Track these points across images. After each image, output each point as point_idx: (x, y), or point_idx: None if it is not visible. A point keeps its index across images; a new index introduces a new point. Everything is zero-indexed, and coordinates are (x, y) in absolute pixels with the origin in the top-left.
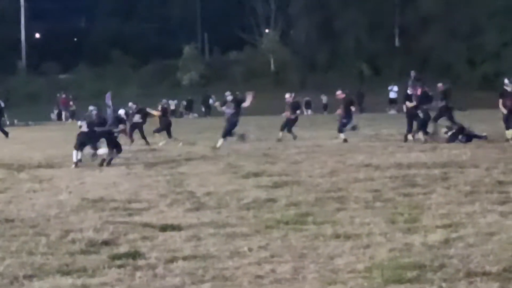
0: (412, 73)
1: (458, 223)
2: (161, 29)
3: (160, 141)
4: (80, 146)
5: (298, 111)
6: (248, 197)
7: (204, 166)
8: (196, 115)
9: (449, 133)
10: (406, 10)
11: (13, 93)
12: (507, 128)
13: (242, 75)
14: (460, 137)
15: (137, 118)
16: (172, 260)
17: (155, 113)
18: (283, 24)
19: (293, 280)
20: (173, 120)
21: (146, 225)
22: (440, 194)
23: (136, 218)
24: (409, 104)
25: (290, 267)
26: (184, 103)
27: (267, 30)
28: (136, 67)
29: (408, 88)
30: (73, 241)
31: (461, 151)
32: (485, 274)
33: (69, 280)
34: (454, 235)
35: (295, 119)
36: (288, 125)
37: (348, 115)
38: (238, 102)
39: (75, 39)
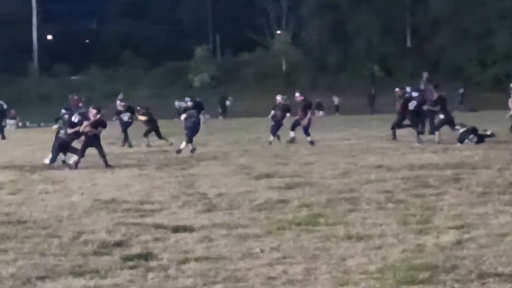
0: (424, 75)
1: (470, 224)
2: (172, 31)
3: (150, 142)
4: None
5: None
6: (260, 198)
7: (216, 167)
8: (208, 116)
9: (461, 130)
10: (417, 12)
11: (25, 94)
12: None
13: (254, 77)
14: (471, 137)
15: (126, 117)
16: (184, 261)
17: (142, 118)
18: (295, 25)
19: (305, 281)
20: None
21: (158, 226)
22: (452, 195)
23: (148, 220)
24: (432, 108)
25: (302, 268)
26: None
27: (278, 32)
28: (147, 69)
29: (420, 88)
30: (86, 243)
31: (473, 152)
32: (497, 275)
33: (81, 281)
34: (466, 236)
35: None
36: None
37: (305, 118)
38: (198, 107)
39: (87, 41)
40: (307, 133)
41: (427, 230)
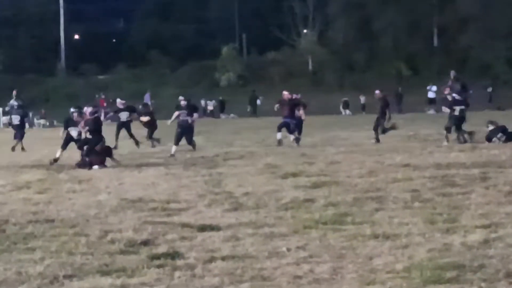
0: (452, 73)
1: (498, 223)
2: (198, 30)
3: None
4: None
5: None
6: (286, 197)
7: (242, 166)
8: (232, 115)
9: (490, 127)
10: (444, 10)
11: (53, 94)
12: None
13: (280, 75)
14: (499, 135)
15: (124, 117)
16: (211, 260)
17: (144, 119)
18: (321, 24)
19: (331, 280)
20: (211, 120)
21: (184, 225)
22: (479, 194)
23: (175, 218)
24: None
25: (329, 267)
26: (215, 103)
27: (305, 30)
28: (174, 68)
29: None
30: (113, 241)
31: (501, 151)
32: None
33: (108, 280)
34: (493, 235)
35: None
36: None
37: (293, 117)
38: (191, 107)
39: (114, 40)
40: (292, 131)
41: (454, 229)
